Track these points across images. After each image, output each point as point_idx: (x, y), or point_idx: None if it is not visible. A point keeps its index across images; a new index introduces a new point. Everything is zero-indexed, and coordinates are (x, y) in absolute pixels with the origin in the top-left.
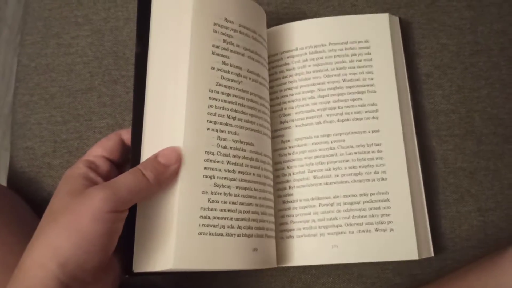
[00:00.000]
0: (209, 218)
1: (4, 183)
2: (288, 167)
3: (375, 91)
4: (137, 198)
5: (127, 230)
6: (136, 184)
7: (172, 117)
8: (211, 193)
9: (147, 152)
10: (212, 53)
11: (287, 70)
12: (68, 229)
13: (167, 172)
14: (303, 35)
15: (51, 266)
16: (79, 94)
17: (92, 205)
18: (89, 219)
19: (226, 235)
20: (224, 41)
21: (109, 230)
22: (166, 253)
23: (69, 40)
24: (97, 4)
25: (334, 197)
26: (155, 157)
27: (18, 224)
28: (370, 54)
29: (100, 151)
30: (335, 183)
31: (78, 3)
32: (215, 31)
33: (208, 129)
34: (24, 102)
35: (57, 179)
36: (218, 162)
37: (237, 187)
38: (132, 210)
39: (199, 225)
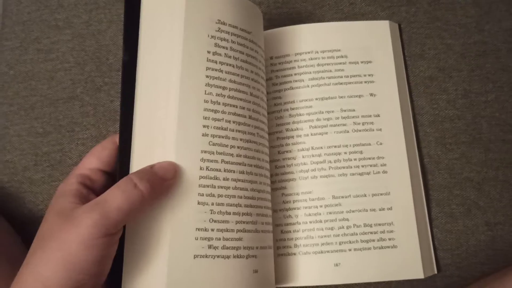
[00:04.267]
0: (205, 239)
1: None
2: (288, 179)
3: (376, 101)
4: (131, 216)
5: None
6: (127, 201)
7: (163, 132)
8: (207, 212)
9: (136, 164)
10: (207, 60)
11: (284, 76)
12: (56, 259)
13: (162, 186)
14: (301, 40)
15: None
16: (61, 103)
17: (80, 232)
18: (79, 247)
19: (225, 257)
20: (220, 45)
21: (102, 256)
22: (157, 278)
23: (49, 45)
24: (78, 6)
25: (335, 213)
26: (150, 167)
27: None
28: (371, 62)
29: (95, 162)
30: (336, 197)
31: (58, 5)
32: (209, 36)
33: (203, 143)
34: (3, 113)
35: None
36: (213, 178)
37: (235, 205)
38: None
39: (194, 247)
